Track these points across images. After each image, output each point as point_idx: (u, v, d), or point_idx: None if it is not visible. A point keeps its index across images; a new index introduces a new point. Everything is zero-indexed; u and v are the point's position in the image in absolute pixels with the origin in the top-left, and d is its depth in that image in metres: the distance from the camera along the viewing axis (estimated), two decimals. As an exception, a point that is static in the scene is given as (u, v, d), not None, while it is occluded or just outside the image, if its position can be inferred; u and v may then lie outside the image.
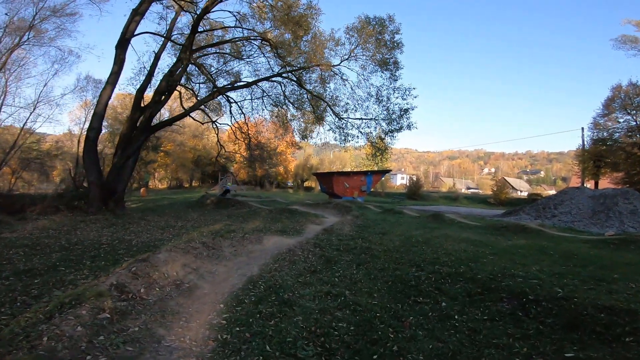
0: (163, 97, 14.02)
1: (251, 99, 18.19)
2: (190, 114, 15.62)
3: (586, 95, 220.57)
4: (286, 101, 17.68)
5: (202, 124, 17.93)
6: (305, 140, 19.37)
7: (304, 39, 15.02)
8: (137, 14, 12.13)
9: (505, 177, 66.54)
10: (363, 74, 16.87)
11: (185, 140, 52.55)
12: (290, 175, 61.53)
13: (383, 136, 17.25)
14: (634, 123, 28.13)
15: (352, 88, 17.34)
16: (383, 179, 53.54)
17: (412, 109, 16.88)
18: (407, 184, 48.84)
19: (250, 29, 15.74)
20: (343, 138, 17.88)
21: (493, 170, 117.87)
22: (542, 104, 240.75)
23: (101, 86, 32.46)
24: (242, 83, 17.01)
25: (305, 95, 17.00)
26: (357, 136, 17.90)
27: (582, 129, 30.54)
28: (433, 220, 12.87)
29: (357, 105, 17.48)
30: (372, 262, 6.45)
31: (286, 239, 8.18)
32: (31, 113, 21.81)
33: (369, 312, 4.01)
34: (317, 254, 6.83)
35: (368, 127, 17.63)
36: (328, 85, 17.10)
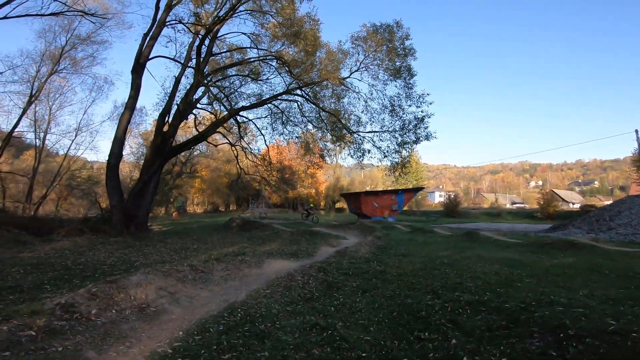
0: (182, 121, 14.28)
1: (271, 121, 18.15)
2: (222, 138, 15.74)
3: (637, 94, 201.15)
4: (304, 120, 17.42)
5: (232, 145, 18.00)
6: (324, 160, 18.84)
7: (316, 54, 14.81)
8: (151, 39, 12.59)
9: (554, 190, 61.39)
10: (375, 85, 16.27)
11: (220, 166, 54.26)
12: (321, 197, 61.27)
13: (399, 149, 16.25)
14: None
15: (365, 101, 16.68)
16: (417, 197, 51.63)
17: (429, 117, 15.89)
18: (444, 201, 46.35)
19: (265, 49, 15.93)
20: (360, 155, 17.13)
21: (540, 182, 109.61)
22: (589, 107, 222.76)
23: (137, 113, 34.56)
24: (249, 103, 16.99)
25: (322, 113, 16.63)
26: (371, 151, 17.09)
27: (637, 131, 27.38)
28: (466, 239, 11.60)
29: (372, 119, 16.82)
30: (382, 288, 5.58)
31: (291, 263, 7.53)
32: (73, 140, 23.43)
33: (354, 351, 3.21)
34: (320, 279, 6.08)
35: (382, 140, 16.82)
36: (342, 101, 16.65)
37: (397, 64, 15.62)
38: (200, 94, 15.73)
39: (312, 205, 23.52)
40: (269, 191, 55.21)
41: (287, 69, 15.56)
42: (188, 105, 14.12)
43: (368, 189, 53.53)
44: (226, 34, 16.88)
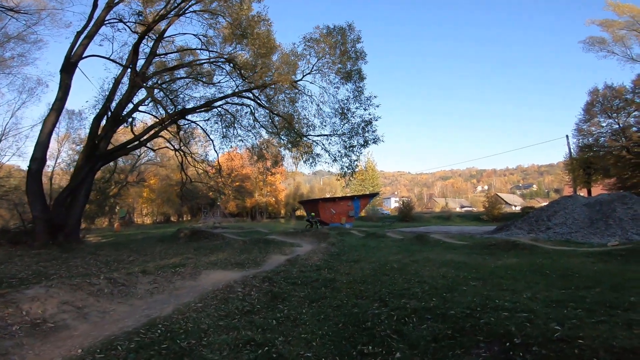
0: (119, 125, 13.05)
1: (222, 127, 17.27)
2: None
3: (568, 101, 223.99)
4: (257, 125, 16.81)
5: (176, 150, 16.77)
6: (276, 166, 18.31)
7: (270, 57, 14.33)
8: (86, 37, 11.42)
9: (498, 193, 65.83)
10: (327, 88, 16.11)
11: (171, 174, 51.36)
12: (281, 205, 60.33)
13: (347, 152, 16.18)
14: (617, 126, 27.69)
15: (317, 104, 16.45)
16: (372, 202, 52.66)
17: (376, 120, 15.96)
18: (399, 207, 47.70)
19: (216, 52, 15.15)
20: (312, 160, 16.84)
21: (486, 187, 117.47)
22: (527, 116, 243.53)
23: (75, 117, 31.62)
24: (190, 107, 16.08)
25: (275, 118, 16.15)
26: (321, 155, 16.82)
27: (567, 136, 29.96)
28: (417, 242, 11.70)
29: (323, 122, 16.59)
30: (331, 297, 5.23)
31: (233, 273, 6.93)
32: (-3, 146, 20.67)
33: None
34: (264, 290, 5.58)
35: (332, 144, 16.63)
36: (296, 105, 16.31)
37: (349, 67, 15.60)
38: (144, 96, 14.59)
39: (313, 214, 21.98)
40: (225, 200, 53.37)
41: (239, 72, 14.93)
42: (122, 108, 12.95)
43: (329, 195, 53.69)
44: (174, 34, 15.84)
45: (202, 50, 15.71)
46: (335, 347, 3.48)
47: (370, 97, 15.88)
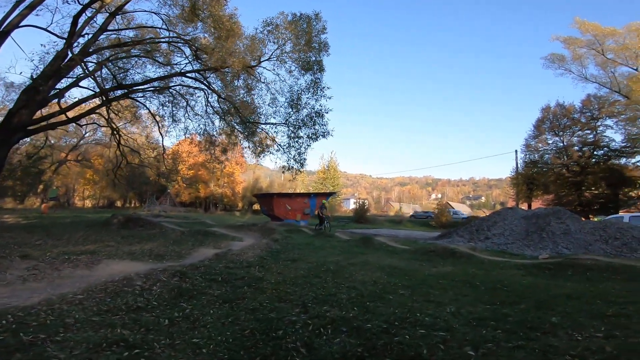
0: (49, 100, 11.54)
1: (171, 111, 16.02)
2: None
3: (529, 115, 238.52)
4: (211, 111, 15.75)
5: (112, 129, 15.23)
6: (225, 154, 17.34)
7: (232, 40, 13.34)
8: (27, 7, 10.06)
9: (450, 202, 68.96)
10: (284, 77, 15.47)
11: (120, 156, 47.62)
12: (238, 197, 58.52)
13: (294, 144, 15.62)
14: (562, 144, 29.62)
15: (273, 93, 15.71)
16: (329, 201, 52.71)
17: (327, 112, 15.44)
18: (355, 208, 48.20)
19: (175, 32, 13.95)
20: (260, 150, 16.11)
21: (439, 195, 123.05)
22: (487, 128, 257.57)
23: (14, 90, 28.27)
24: (129, 83, 14.77)
25: (224, 105, 15.18)
26: (270, 146, 16.11)
27: (516, 151, 31.59)
28: (361, 244, 11.46)
29: (276, 112, 15.88)
30: (250, 298, 4.67)
31: (143, 265, 6.17)
32: None
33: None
34: (170, 285, 4.90)
35: (277, 133, 16.05)
36: (253, 93, 15.48)
37: (312, 57, 15.02)
38: (89, 71, 13.04)
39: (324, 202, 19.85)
40: (177, 188, 50.62)
41: (194, 53, 13.89)
42: (54, 81, 11.46)
43: (291, 191, 52.87)
44: (134, 11, 14.26)
45: (162, 30, 14.48)
46: (228, 357, 2.94)
47: (323, 87, 15.37)
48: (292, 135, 15.53)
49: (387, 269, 6.74)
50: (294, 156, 15.74)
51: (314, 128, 15.08)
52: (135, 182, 41.82)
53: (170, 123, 16.33)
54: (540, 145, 30.88)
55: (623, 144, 26.53)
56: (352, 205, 77.40)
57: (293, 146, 15.50)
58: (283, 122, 15.55)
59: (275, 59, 14.85)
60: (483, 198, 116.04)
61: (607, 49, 23.23)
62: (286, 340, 3.28)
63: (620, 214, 21.72)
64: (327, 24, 14.99)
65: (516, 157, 31.15)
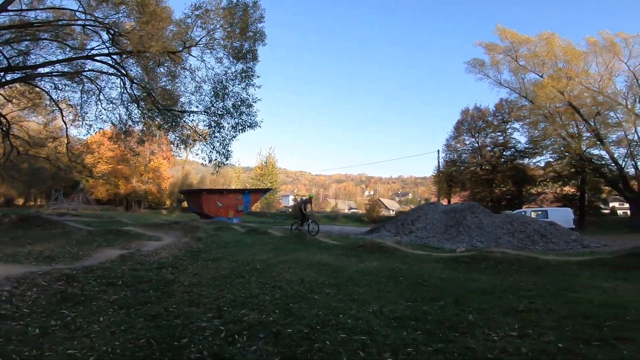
0: None
1: (81, 99, 14.04)
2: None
3: (450, 117, 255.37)
4: (127, 99, 14.09)
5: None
6: (142, 145, 15.81)
7: (149, 23, 11.96)
8: None
9: (381, 198, 72.68)
10: (212, 65, 14.65)
11: (20, 147, 40.80)
12: (165, 194, 54.22)
13: (213, 131, 14.79)
14: (477, 145, 32.89)
15: (197, 81, 14.67)
16: (267, 198, 51.82)
17: (255, 102, 14.93)
18: (292, 205, 48.12)
19: (90, 14, 12.12)
20: (181, 141, 14.96)
21: (372, 192, 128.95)
22: (414, 129, 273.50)
23: None
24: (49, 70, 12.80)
25: (146, 93, 13.71)
26: (192, 137, 15.09)
27: (439, 151, 34.37)
28: (293, 241, 11.21)
29: (201, 101, 14.87)
30: (155, 303, 4.10)
31: (21, 268, 5.12)
32: None
33: None
34: (52, 290, 4.15)
35: (198, 122, 15.16)
36: (177, 81, 14.22)
37: (246, 46, 14.27)
38: None
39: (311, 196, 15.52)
40: (92, 184, 44.98)
41: (111, 37, 12.29)
42: None
43: (227, 187, 50.41)
44: None
45: (78, 12, 12.50)
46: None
47: (251, 74, 14.75)
48: (214, 124, 14.60)
49: (317, 266, 6.55)
50: (217, 148, 14.81)
51: (240, 118, 14.34)
52: (37, 177, 36.14)
53: (80, 111, 14.29)
54: (459, 145, 33.96)
55: (527, 146, 30.28)
56: (291, 202, 77.37)
57: (216, 137, 14.56)
58: (203, 110, 14.49)
59: (203, 45, 13.78)
60: (410, 195, 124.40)
61: (520, 56, 24.80)
62: (190, 350, 2.85)
63: (524, 208, 24.82)
64: (265, 12, 14.33)
65: (438, 157, 33.89)
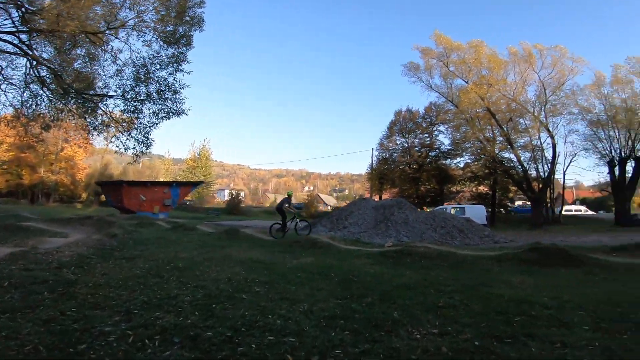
0: None
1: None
2: None
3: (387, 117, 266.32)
4: (29, 81, 12.09)
5: None
6: (47, 131, 13.83)
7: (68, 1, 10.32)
8: None
9: (319, 194, 73.80)
10: (139, 49, 13.25)
11: None
12: (80, 186, 48.18)
13: (132, 116, 13.48)
14: (407, 145, 35.07)
15: (119, 65, 13.24)
16: (199, 192, 49.12)
17: (182, 88, 13.80)
18: (227, 200, 46.25)
19: None
20: (93, 127, 13.43)
21: (312, 187, 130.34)
22: (353, 127, 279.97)
23: None
24: None
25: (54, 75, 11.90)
26: (110, 125, 13.67)
27: (373, 149, 35.90)
28: (226, 237, 10.66)
29: (121, 86, 13.43)
30: (49, 306, 3.52)
31: None
32: None
33: None
34: None
35: (116, 107, 13.83)
36: (97, 63, 12.62)
37: (181, 31, 13.05)
38: None
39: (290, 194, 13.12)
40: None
41: (23, 16, 10.41)
42: None
43: (153, 180, 46.23)
44: None
45: None
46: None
47: (179, 54, 13.59)
48: (133, 109, 13.26)
49: (248, 263, 6.23)
50: (135, 135, 13.48)
51: (164, 104, 13.16)
52: None
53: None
54: (390, 145, 35.93)
55: (449, 147, 33.07)
56: (227, 196, 74.37)
57: (134, 123, 13.20)
58: (120, 95, 13.07)
59: (131, 27, 12.36)
60: (346, 191, 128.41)
61: (451, 61, 26.09)
62: (89, 357, 2.46)
63: (445, 205, 27.07)
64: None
65: (372, 155, 35.38)
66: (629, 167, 22.61)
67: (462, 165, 32.90)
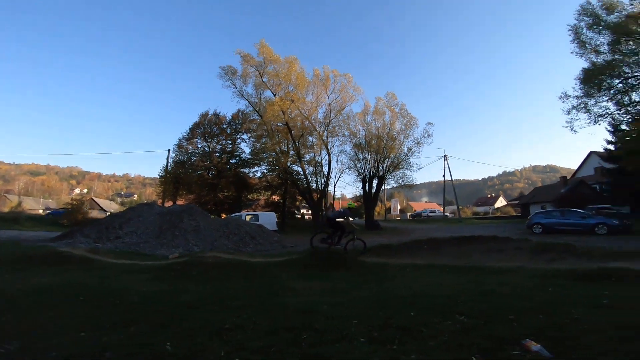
0: None
1: None
2: None
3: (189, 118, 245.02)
4: None
5: None
6: None
7: None
8: None
9: (96, 198, 60.87)
10: None
11: None
12: None
13: None
14: (208, 149, 33.91)
15: None
16: None
17: None
18: None
19: None
20: None
21: (85, 190, 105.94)
22: (145, 127, 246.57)
23: None
24: None
25: None
26: None
27: (169, 150, 32.63)
28: None
29: None
30: None
31: None
32: None
33: None
34: None
35: None
36: None
37: None
38: None
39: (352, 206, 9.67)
40: None
41: None
42: None
43: None
44: None
45: None
46: None
47: None
48: None
49: None
50: None
51: None
52: None
53: None
54: (190, 147, 33.92)
55: (249, 157, 34.42)
56: None
57: None
58: None
59: None
60: (136, 196, 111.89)
61: (267, 73, 26.94)
62: None
63: (242, 212, 27.79)
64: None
65: (168, 156, 32.30)
66: (375, 184, 29.90)
67: (259, 174, 34.95)
